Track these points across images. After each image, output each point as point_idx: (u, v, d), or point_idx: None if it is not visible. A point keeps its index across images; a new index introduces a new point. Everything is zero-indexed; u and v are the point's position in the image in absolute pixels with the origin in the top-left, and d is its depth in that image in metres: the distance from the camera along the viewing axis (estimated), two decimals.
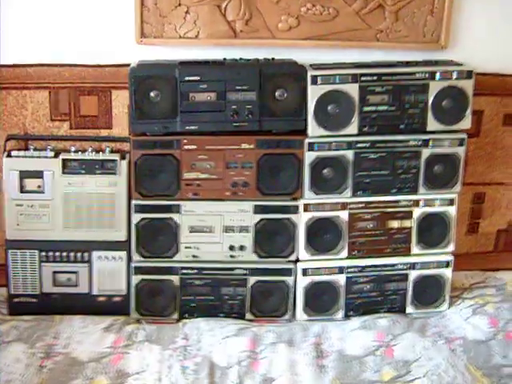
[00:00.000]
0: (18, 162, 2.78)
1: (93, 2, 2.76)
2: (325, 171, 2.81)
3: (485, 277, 3.20)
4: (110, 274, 2.89)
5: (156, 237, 2.84)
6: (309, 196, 2.83)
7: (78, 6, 2.76)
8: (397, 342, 2.73)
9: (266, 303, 2.94)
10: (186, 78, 2.67)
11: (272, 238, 2.88)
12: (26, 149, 2.85)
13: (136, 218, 2.81)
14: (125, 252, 2.86)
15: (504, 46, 2.94)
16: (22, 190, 2.79)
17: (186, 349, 2.68)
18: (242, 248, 2.87)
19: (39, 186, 2.80)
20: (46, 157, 2.80)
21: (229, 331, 2.79)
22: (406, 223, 2.89)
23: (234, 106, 2.71)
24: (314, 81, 2.70)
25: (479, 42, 2.91)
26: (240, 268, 2.89)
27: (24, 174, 2.78)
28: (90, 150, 2.83)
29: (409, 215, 2.88)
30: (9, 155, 2.80)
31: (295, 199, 2.85)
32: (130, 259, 2.88)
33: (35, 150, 2.83)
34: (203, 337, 2.76)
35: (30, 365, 2.55)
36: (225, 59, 2.79)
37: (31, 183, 2.80)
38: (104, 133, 2.90)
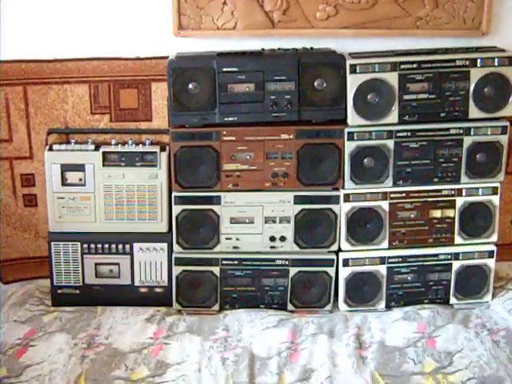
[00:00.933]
0: (59, 155, 2.82)
1: None
2: (365, 161, 2.79)
3: None
4: (151, 265, 2.91)
5: (197, 228, 2.85)
6: (349, 186, 2.81)
7: (117, 0, 2.79)
8: (439, 334, 2.69)
9: (307, 294, 2.94)
10: (224, 69, 2.67)
11: (313, 228, 2.87)
12: (67, 142, 2.88)
13: (176, 209, 2.83)
14: (166, 244, 2.88)
15: None
16: (64, 183, 2.84)
17: (226, 340, 2.69)
18: (282, 239, 2.87)
19: (80, 179, 2.84)
20: (87, 150, 2.83)
21: (269, 322, 2.79)
22: (449, 213, 2.85)
23: (272, 97, 2.70)
24: (353, 69, 2.67)
25: None
26: (281, 259, 2.89)
27: (65, 168, 2.82)
28: (130, 142, 2.85)
29: (451, 204, 2.84)
30: (50, 149, 2.83)
31: (336, 189, 2.84)
32: (171, 250, 2.90)
33: (76, 143, 2.86)
34: (244, 328, 2.76)
35: (72, 355, 2.59)
36: (263, 49, 2.77)
37: (73, 176, 2.84)
38: (144, 125, 2.92)
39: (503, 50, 2.73)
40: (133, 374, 2.52)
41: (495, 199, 2.85)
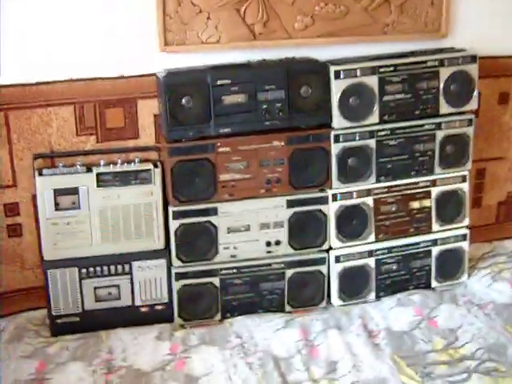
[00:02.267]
0: (51, 180, 2.73)
1: (112, 13, 2.76)
2: (350, 161, 2.94)
3: (493, 246, 3.45)
4: (151, 283, 2.89)
5: (195, 241, 2.88)
6: (337, 186, 2.95)
7: (98, 19, 2.75)
8: (436, 314, 2.91)
9: (303, 293, 3.05)
10: (219, 82, 2.73)
11: (305, 229, 2.98)
12: (54, 166, 2.81)
13: (175, 224, 2.83)
14: (164, 260, 2.88)
15: (495, 30, 3.17)
16: (57, 208, 2.75)
17: (243, 346, 2.74)
18: (277, 243, 2.95)
19: (73, 203, 2.77)
20: (79, 172, 2.76)
21: (277, 324, 2.88)
22: (426, 203, 3.07)
23: (264, 106, 2.79)
24: (337, 75, 2.83)
25: (474, 28, 3.12)
26: (277, 262, 2.98)
27: (58, 192, 2.74)
28: (119, 161, 2.82)
29: (428, 195, 3.07)
30: (41, 174, 2.75)
31: (322, 190, 2.97)
32: (169, 266, 2.90)
33: (64, 166, 2.79)
34: (254, 333, 2.83)
35: (96, 382, 2.53)
36: (248, 61, 2.87)
37: (65, 200, 2.76)
38: (131, 143, 2.90)
39: (463, 50, 2.99)
40: None
41: (465, 186, 3.10)
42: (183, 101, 2.72)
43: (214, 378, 2.57)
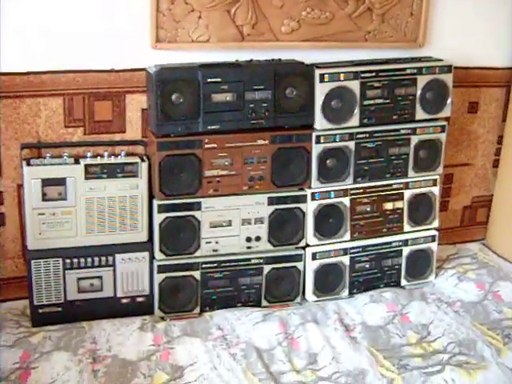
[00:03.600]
0: (39, 170, 2.74)
1: (107, 7, 2.79)
2: (328, 161, 3.05)
3: (457, 249, 3.62)
4: (133, 275, 2.92)
5: (178, 235, 2.93)
6: (316, 185, 3.05)
7: (92, 12, 2.77)
8: (408, 310, 3.04)
9: (279, 289, 3.13)
10: (209, 80, 2.79)
11: (284, 226, 3.06)
12: (40, 157, 2.82)
13: (159, 217, 2.88)
14: (147, 252, 2.91)
15: (468, 43, 3.34)
16: (44, 198, 2.76)
17: (225, 338, 2.81)
18: (257, 239, 3.03)
19: (60, 194, 2.78)
20: (68, 163, 2.78)
21: (256, 317, 2.95)
22: (399, 204, 3.20)
23: (251, 105, 2.86)
24: (322, 79, 2.93)
25: (449, 39, 3.29)
26: (256, 258, 3.06)
27: (46, 182, 2.74)
28: (106, 154, 2.85)
29: (400, 197, 3.20)
30: (28, 164, 2.75)
31: (302, 189, 3.07)
32: (151, 259, 2.93)
33: (51, 157, 2.80)
34: (235, 325, 2.90)
35: (82, 370, 2.56)
36: (237, 61, 2.94)
37: (52, 191, 2.77)
38: (117, 137, 2.93)
39: (440, 60, 3.13)
40: (154, 380, 2.56)
41: (435, 190, 3.25)
42: (173, 96, 2.77)
43: (199, 367, 2.63)
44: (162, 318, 2.97)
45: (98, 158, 2.84)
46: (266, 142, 2.94)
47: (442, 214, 3.48)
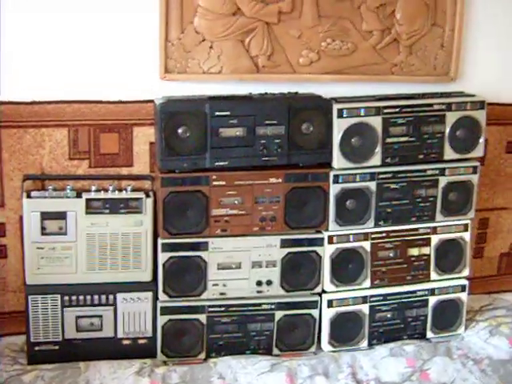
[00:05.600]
0: (39, 202, 2.66)
1: (115, 38, 2.71)
2: (348, 202, 2.85)
3: (492, 299, 3.35)
4: (135, 315, 2.79)
5: (183, 276, 2.79)
6: (333, 228, 2.86)
7: (100, 42, 2.70)
8: (429, 367, 2.80)
9: (292, 337, 2.94)
10: (217, 114, 2.66)
11: (298, 271, 2.88)
12: (43, 189, 2.74)
13: (163, 257, 2.74)
14: (150, 293, 2.78)
15: (506, 76, 3.11)
16: (43, 232, 2.67)
17: None
18: (269, 283, 2.85)
19: (61, 228, 2.69)
20: (69, 197, 2.69)
21: (262, 367, 2.77)
22: (425, 250, 2.98)
23: (263, 141, 2.71)
24: (340, 114, 2.76)
25: (484, 73, 3.07)
26: (267, 303, 2.88)
27: (46, 216, 2.66)
28: (111, 188, 2.75)
29: (427, 242, 2.97)
30: (29, 196, 2.67)
31: (319, 232, 2.89)
32: (155, 300, 2.80)
33: (54, 190, 2.72)
34: (238, 375, 2.72)
35: None
36: (250, 93, 2.80)
37: (52, 225, 2.68)
38: (124, 171, 2.83)
39: (472, 95, 2.92)
40: None
41: (466, 236, 3.01)
42: (179, 130, 2.65)
43: None
44: (165, 362, 2.83)
45: (102, 192, 2.74)
46: (280, 180, 2.77)
47: (476, 261, 3.25)
